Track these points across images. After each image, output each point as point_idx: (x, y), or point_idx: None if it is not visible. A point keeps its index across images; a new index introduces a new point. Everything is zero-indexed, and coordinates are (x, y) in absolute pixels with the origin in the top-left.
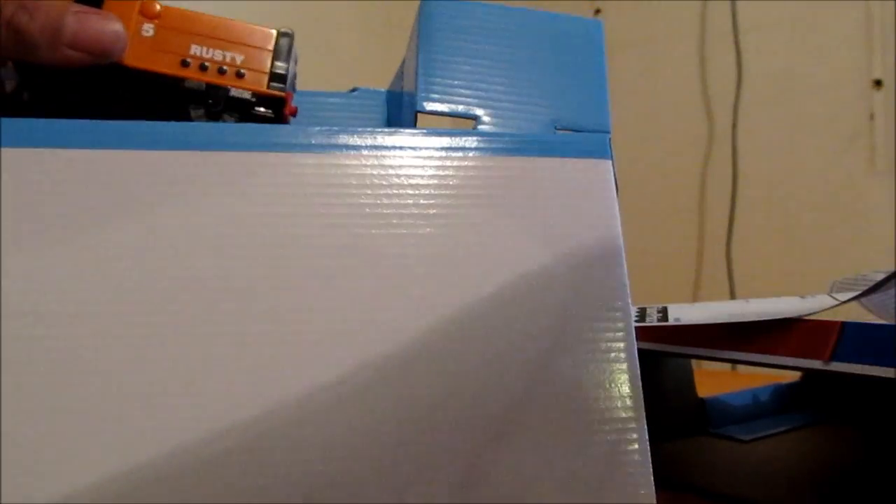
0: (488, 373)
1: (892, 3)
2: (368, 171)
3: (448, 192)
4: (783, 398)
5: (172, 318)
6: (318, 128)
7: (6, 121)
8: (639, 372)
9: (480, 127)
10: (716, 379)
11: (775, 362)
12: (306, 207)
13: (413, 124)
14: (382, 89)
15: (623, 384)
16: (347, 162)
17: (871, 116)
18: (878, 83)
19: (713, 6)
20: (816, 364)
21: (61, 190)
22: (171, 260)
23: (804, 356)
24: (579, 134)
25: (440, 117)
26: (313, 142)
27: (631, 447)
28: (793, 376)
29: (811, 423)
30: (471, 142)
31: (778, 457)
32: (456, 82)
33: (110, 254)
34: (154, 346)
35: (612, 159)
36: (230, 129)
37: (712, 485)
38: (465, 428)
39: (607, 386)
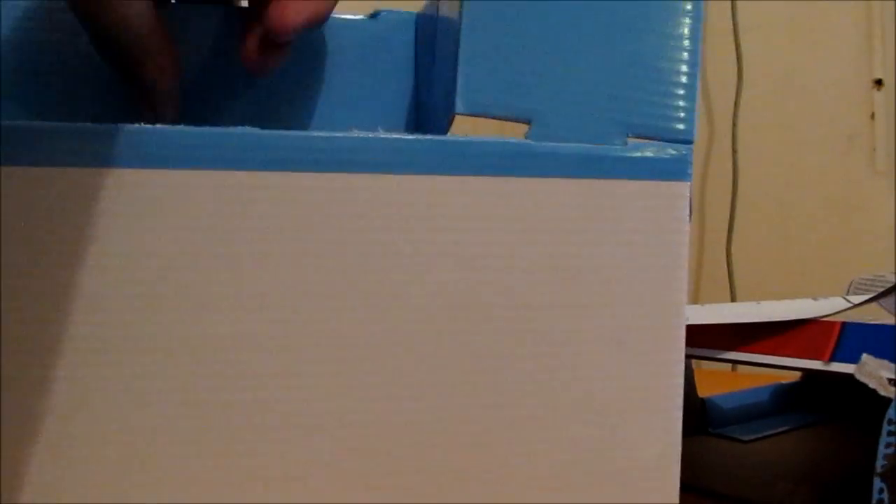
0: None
1: (893, 3)
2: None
3: (484, 224)
4: (783, 398)
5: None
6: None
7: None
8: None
9: (534, 130)
10: (716, 379)
11: (775, 362)
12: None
13: (446, 122)
14: (411, 12)
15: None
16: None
17: (872, 116)
18: (878, 83)
19: (713, 6)
20: (816, 364)
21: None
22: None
23: (804, 356)
24: (656, 148)
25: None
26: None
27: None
28: (793, 376)
29: (811, 423)
30: (520, 160)
31: (778, 457)
32: (506, 74)
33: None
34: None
35: (690, 180)
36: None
37: (712, 485)
38: (481, 417)
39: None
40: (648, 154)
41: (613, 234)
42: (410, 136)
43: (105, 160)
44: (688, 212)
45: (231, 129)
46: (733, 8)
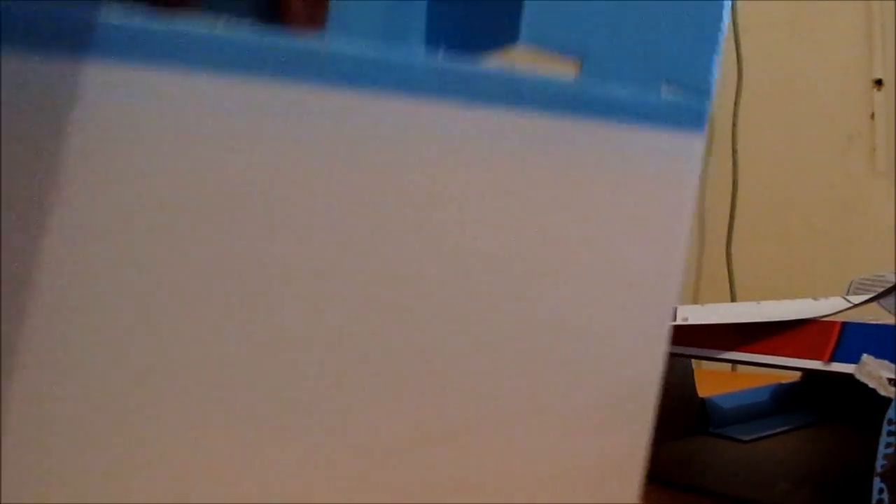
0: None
1: (893, 3)
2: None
3: (507, 161)
4: (783, 398)
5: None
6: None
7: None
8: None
9: (584, 70)
10: (716, 379)
11: (775, 362)
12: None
13: (482, 45)
14: None
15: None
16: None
17: (872, 116)
18: (878, 83)
19: None
20: (816, 364)
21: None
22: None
23: (804, 356)
24: (681, 96)
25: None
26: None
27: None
28: (793, 376)
29: (811, 423)
30: (572, 98)
31: (778, 457)
32: (564, 16)
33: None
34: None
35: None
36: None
37: (712, 485)
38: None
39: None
40: (676, 103)
41: (629, 181)
42: (467, 62)
43: (85, 52)
44: (699, 169)
45: (244, 30)
46: (733, 8)
